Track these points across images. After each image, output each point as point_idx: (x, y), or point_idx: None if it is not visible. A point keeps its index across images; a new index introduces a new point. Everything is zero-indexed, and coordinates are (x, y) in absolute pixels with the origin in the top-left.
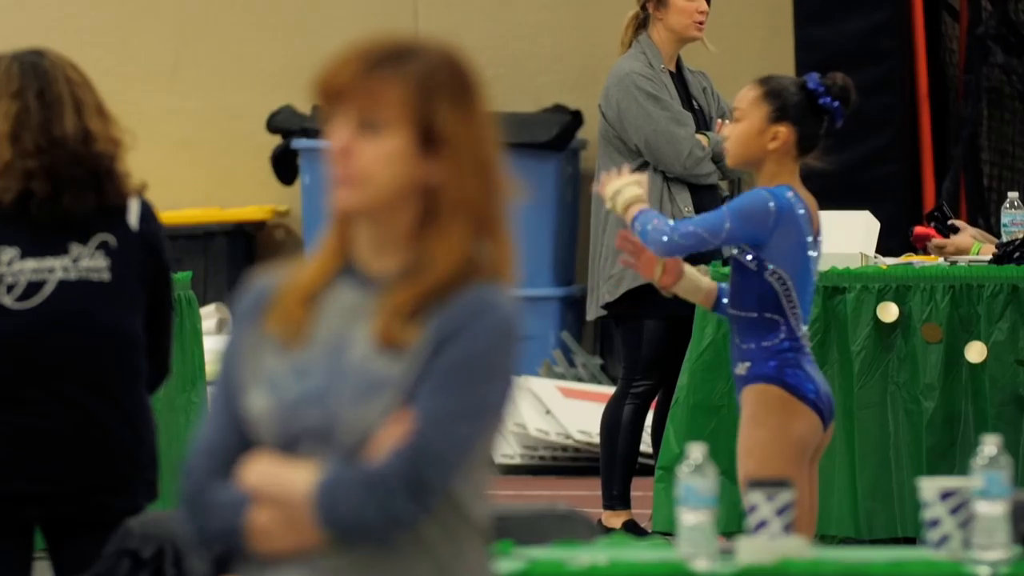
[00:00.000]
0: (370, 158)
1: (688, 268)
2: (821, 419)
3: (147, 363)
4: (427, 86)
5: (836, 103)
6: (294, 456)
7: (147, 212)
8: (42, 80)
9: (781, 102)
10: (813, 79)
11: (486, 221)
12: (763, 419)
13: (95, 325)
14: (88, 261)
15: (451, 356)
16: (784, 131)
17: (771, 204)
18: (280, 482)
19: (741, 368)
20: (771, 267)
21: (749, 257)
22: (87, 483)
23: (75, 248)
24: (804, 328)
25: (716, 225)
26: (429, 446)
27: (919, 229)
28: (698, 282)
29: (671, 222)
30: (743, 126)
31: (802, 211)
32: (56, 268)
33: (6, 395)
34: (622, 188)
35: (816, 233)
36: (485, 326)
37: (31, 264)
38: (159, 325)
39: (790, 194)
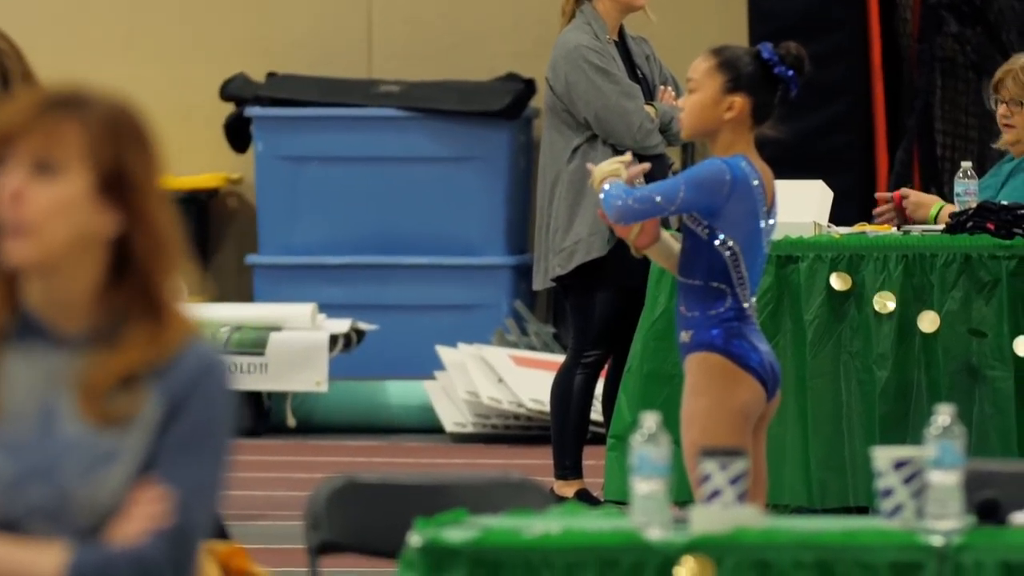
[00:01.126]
0: (43, 204)
1: (664, 233)
2: (764, 388)
3: None
4: (111, 129)
5: (791, 72)
6: (16, 535)
7: None
8: None
9: (736, 72)
10: (767, 49)
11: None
12: (705, 387)
13: None
14: None
15: (188, 425)
16: (739, 101)
17: (726, 174)
18: (17, 564)
19: (685, 336)
20: (722, 237)
21: (701, 225)
22: None
23: None
24: (752, 299)
25: (671, 192)
26: (190, 523)
27: (880, 195)
28: (671, 247)
29: (628, 188)
30: (697, 97)
31: (756, 182)
32: None
33: None
34: (604, 165)
35: (770, 205)
36: (213, 388)
37: None
38: None
39: (744, 164)
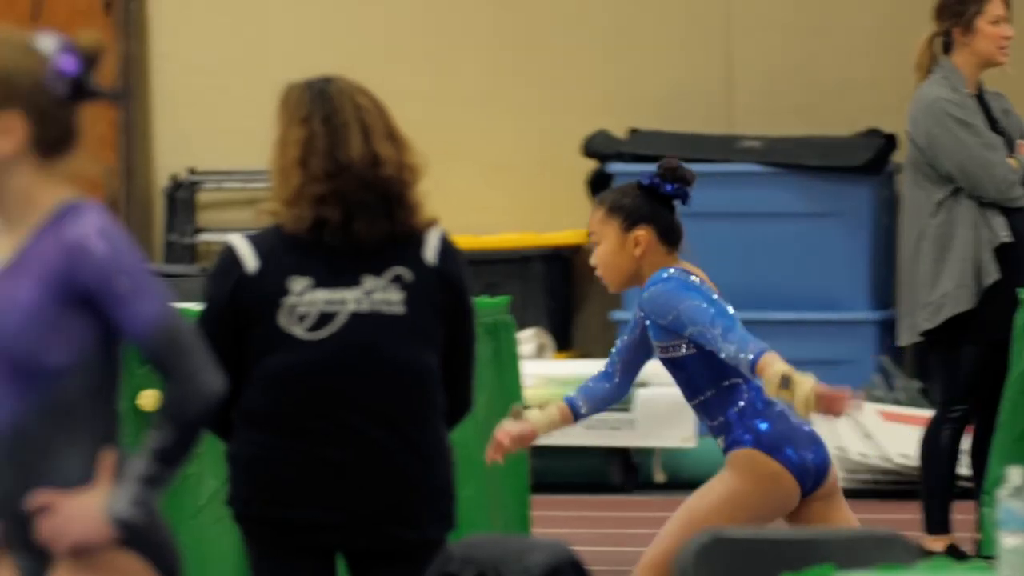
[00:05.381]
0: None
1: (536, 416)
2: (799, 483)
3: (447, 397)
4: None
5: (676, 186)
6: None
7: (447, 249)
8: (328, 106)
9: (626, 209)
10: (646, 177)
11: None
12: (734, 477)
13: (385, 358)
14: (381, 294)
15: None
16: (643, 234)
17: (679, 288)
18: None
19: (720, 443)
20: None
21: (682, 346)
22: (375, 513)
23: (369, 280)
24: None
25: (714, 321)
26: None
27: None
28: (551, 419)
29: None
30: (604, 247)
31: (695, 278)
32: (348, 300)
33: (296, 424)
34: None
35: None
36: None
37: (323, 295)
38: (459, 360)
39: (673, 270)
